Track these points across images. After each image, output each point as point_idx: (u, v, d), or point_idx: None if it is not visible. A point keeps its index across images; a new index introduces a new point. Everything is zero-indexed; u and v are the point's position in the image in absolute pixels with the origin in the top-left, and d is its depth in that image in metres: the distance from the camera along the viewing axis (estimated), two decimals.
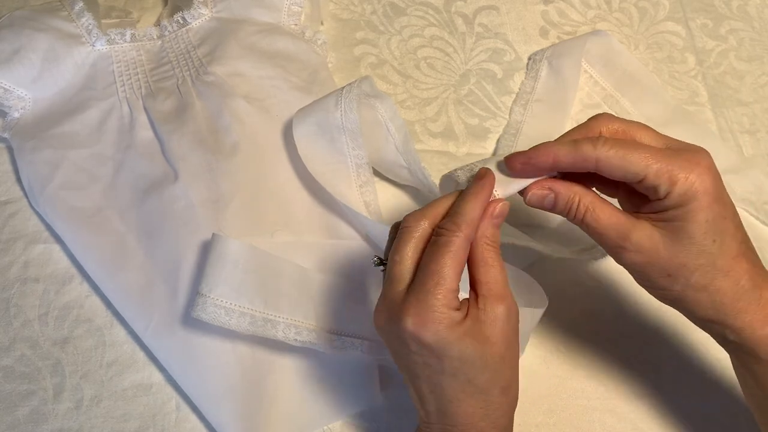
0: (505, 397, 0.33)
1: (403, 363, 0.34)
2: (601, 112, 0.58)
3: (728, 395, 0.46)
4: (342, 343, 0.43)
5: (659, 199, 0.32)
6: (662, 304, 0.36)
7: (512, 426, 0.35)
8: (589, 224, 0.34)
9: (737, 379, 0.38)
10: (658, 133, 0.34)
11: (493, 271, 0.32)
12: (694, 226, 0.32)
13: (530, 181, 0.35)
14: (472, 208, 0.32)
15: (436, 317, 0.31)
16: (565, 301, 0.48)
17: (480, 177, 0.34)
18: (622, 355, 0.47)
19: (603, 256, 0.49)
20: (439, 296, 0.31)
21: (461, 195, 0.33)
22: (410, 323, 0.31)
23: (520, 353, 0.45)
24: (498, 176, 0.35)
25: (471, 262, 0.33)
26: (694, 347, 0.48)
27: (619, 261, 0.34)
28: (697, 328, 0.36)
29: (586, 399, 0.46)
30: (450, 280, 0.31)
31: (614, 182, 0.36)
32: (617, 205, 0.36)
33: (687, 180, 0.31)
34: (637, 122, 0.34)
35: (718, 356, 0.47)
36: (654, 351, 0.48)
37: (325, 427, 0.44)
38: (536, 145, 0.34)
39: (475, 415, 0.33)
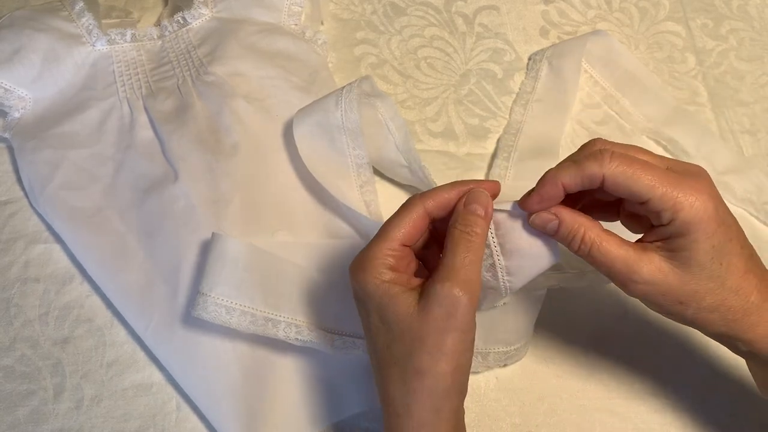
0: (419, 381, 0.32)
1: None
2: (601, 112, 0.58)
3: (729, 395, 0.46)
4: (342, 343, 0.43)
5: (662, 225, 0.32)
6: None
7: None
8: (596, 258, 0.33)
9: (752, 377, 0.38)
10: (656, 155, 0.34)
11: (449, 257, 0.32)
12: (702, 254, 0.32)
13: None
14: (441, 187, 0.34)
15: (365, 265, 0.33)
16: (566, 301, 0.48)
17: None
18: (622, 355, 0.47)
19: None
20: (375, 249, 0.33)
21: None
22: (350, 268, 0.34)
23: (520, 341, 0.45)
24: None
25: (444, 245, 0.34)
26: (694, 347, 0.48)
27: (628, 292, 0.34)
28: None
29: (586, 399, 0.46)
30: (391, 239, 0.33)
31: (615, 207, 0.37)
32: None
33: (692, 208, 0.31)
34: (634, 146, 0.34)
35: (719, 356, 0.47)
36: (654, 351, 0.48)
37: (325, 427, 0.44)
38: (541, 179, 0.34)
39: (395, 397, 0.32)
